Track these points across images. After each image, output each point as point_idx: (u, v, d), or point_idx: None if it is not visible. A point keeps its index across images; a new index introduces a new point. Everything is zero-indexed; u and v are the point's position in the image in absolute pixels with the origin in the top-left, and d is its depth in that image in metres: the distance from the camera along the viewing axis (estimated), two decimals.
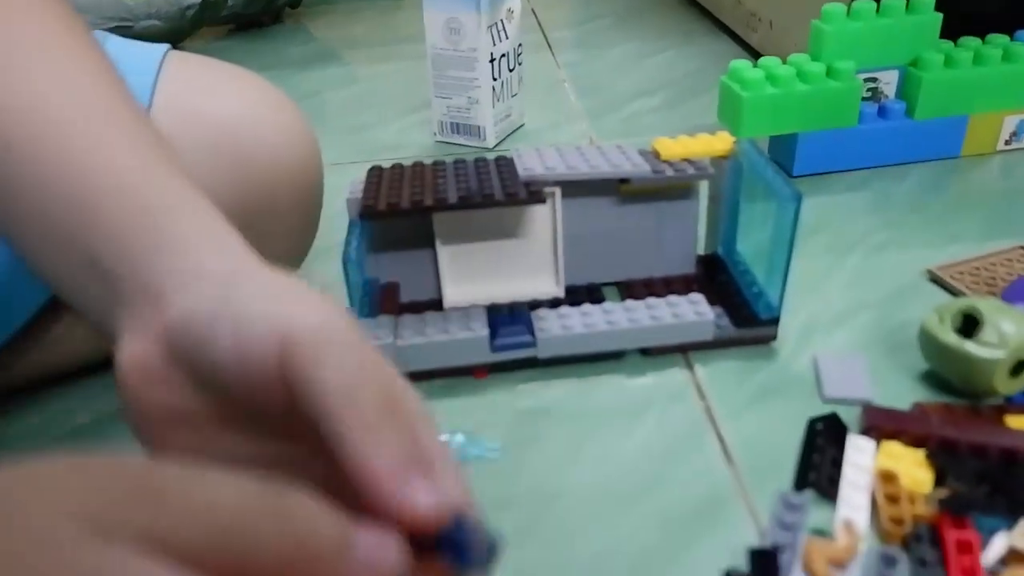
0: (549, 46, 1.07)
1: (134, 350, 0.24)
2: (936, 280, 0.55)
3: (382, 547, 0.18)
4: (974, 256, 0.56)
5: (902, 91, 0.70)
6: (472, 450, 0.43)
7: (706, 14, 1.14)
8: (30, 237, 0.29)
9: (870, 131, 0.69)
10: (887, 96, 0.70)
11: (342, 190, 0.50)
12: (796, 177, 0.69)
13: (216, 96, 0.46)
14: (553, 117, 0.85)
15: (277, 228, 0.48)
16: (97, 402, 0.48)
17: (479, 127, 0.77)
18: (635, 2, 1.24)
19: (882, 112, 0.70)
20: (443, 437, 0.43)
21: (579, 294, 0.53)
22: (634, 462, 0.42)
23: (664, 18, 1.16)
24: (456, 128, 0.79)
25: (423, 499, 0.19)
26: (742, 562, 0.36)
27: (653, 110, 0.86)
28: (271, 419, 0.23)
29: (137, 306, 0.25)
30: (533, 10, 1.21)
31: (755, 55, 0.95)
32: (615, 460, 0.42)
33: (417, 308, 0.52)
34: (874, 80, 0.69)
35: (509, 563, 0.36)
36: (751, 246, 0.53)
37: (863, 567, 0.35)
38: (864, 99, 0.69)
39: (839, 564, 0.35)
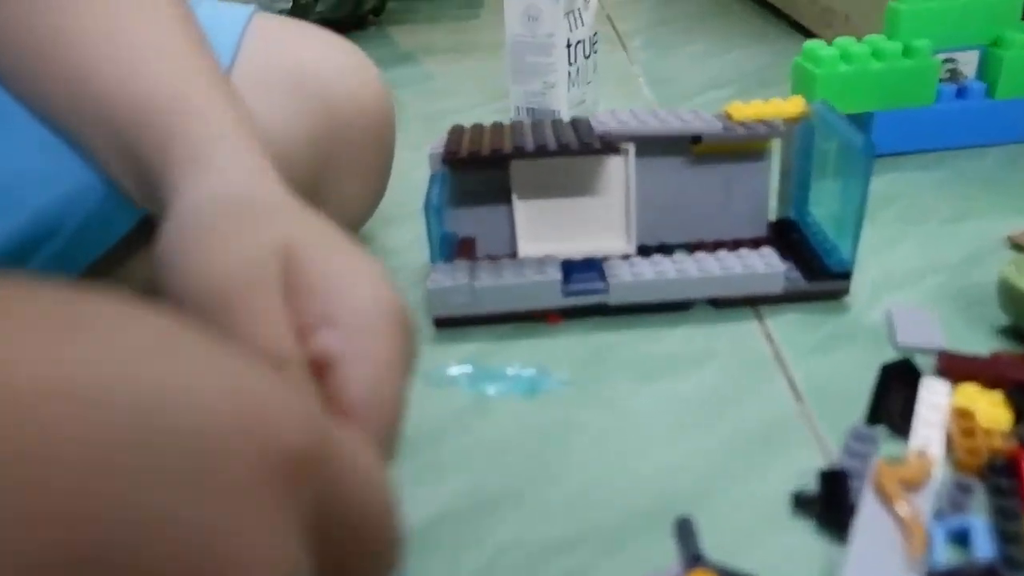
0: (623, 44, 1.10)
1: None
2: (1017, 246, 0.54)
3: None
4: None
5: (982, 72, 0.69)
6: (543, 382, 0.44)
7: (780, 15, 1.14)
8: (93, 140, 0.32)
9: (947, 111, 0.68)
10: (966, 76, 0.69)
11: (417, 168, 0.53)
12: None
13: (299, 42, 0.50)
14: (625, 106, 0.87)
15: (355, 166, 0.51)
16: None
17: (554, 111, 0.80)
18: (707, 6, 1.25)
19: (961, 93, 0.69)
20: (512, 372, 0.45)
21: (649, 253, 0.54)
22: (701, 396, 0.43)
23: (736, 20, 1.17)
24: (532, 113, 0.81)
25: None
26: (810, 487, 0.36)
27: (724, 101, 0.87)
28: None
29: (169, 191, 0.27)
30: (608, 16, 1.24)
31: None
32: (682, 394, 0.43)
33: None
34: (952, 60, 0.69)
35: (575, 478, 0.38)
36: (823, 211, 0.53)
37: (936, 493, 0.35)
38: (942, 80, 0.68)
39: (912, 486, 0.35)
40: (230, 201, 0.26)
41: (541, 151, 0.49)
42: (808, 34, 1.04)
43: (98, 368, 0.13)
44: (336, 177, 0.51)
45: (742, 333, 0.48)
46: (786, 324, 0.48)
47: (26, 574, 0.12)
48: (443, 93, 0.95)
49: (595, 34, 0.81)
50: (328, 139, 0.49)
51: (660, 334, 0.49)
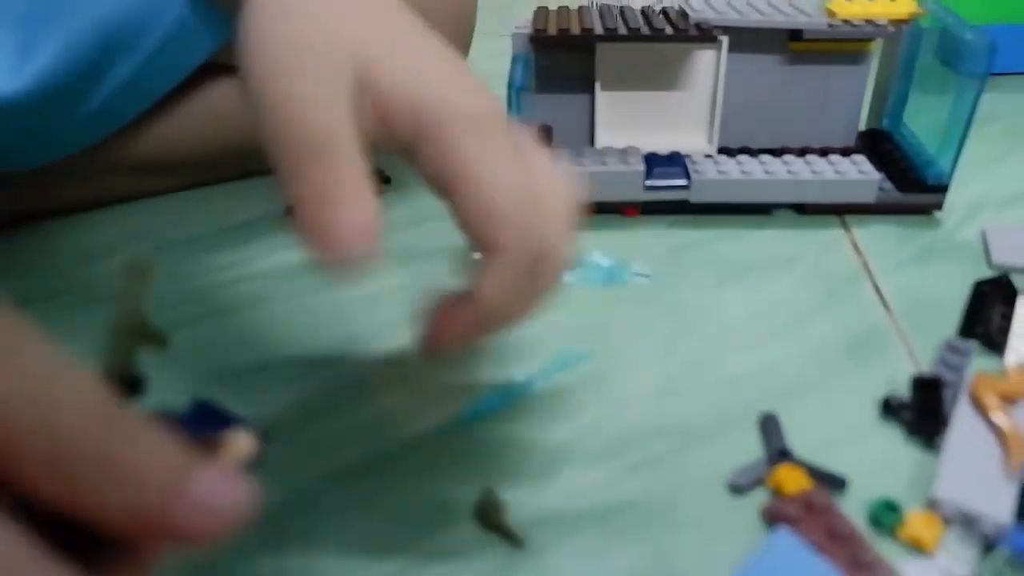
0: None
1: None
2: None
3: (223, 486, 0.16)
4: None
5: None
6: (621, 273, 0.43)
7: None
8: None
9: None
10: None
11: (493, 58, 0.51)
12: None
13: None
14: None
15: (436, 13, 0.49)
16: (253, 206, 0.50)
17: (629, 4, 0.76)
18: None
19: None
20: (592, 261, 0.43)
21: (731, 155, 0.52)
22: (785, 299, 0.42)
23: None
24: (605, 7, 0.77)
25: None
26: (900, 394, 0.35)
27: None
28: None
29: None
30: None
31: None
32: (766, 296, 0.42)
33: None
34: None
35: (652, 375, 0.37)
36: (920, 123, 0.50)
37: None
38: None
39: (1011, 399, 0.33)
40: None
41: (633, 34, 0.46)
42: None
43: None
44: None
45: (827, 241, 0.46)
46: (873, 236, 0.46)
47: None
48: None
49: None
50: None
51: (740, 236, 0.47)
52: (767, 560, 0.27)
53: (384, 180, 0.52)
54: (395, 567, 0.28)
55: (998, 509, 0.29)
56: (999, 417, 0.32)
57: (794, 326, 0.40)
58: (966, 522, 0.29)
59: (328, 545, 0.29)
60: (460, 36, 0.52)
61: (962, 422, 0.33)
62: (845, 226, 0.47)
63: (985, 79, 0.42)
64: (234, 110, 0.49)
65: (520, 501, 0.31)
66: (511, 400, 0.35)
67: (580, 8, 0.51)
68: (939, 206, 0.47)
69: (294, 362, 0.38)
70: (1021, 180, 0.51)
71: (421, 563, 0.29)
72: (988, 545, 0.29)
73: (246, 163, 0.52)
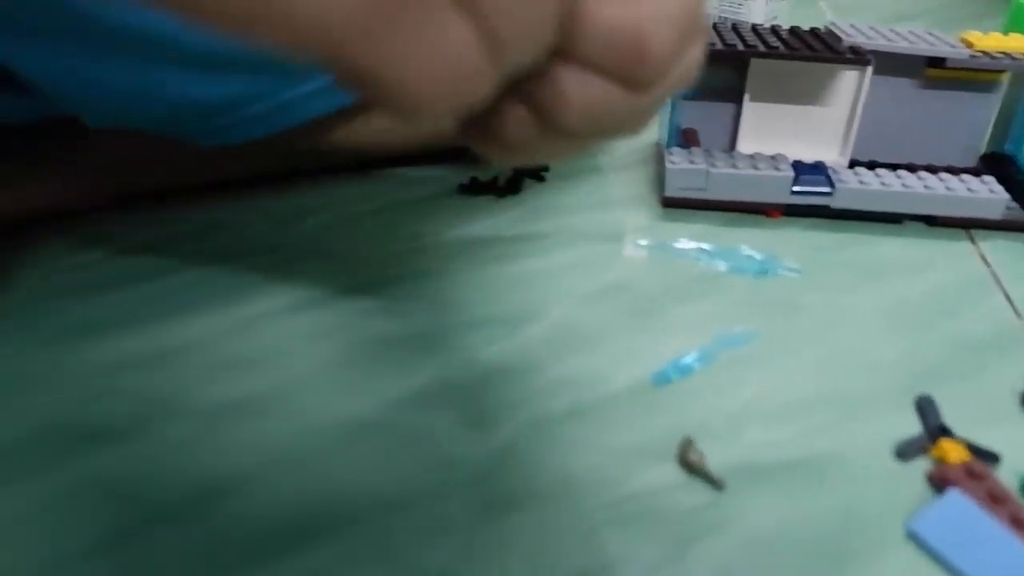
0: None
1: None
2: None
3: None
4: None
5: None
6: (773, 266, 0.48)
7: None
8: None
9: None
10: None
11: None
12: None
13: None
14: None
15: None
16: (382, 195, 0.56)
17: (748, 24, 0.80)
18: None
19: None
20: (744, 254, 0.48)
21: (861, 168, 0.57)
22: (922, 300, 0.46)
23: None
24: (727, 23, 0.82)
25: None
26: None
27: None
28: None
29: None
30: None
31: None
32: (904, 295, 0.47)
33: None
34: None
35: (811, 355, 0.42)
36: None
37: None
38: None
39: None
40: None
41: (792, 52, 0.51)
42: None
43: None
44: None
45: (956, 252, 0.51)
46: (1000, 249, 0.51)
47: None
48: None
49: None
50: None
51: (875, 241, 0.52)
52: (942, 512, 0.32)
53: (544, 170, 0.58)
54: (610, 499, 0.34)
55: None
56: None
57: (934, 322, 0.45)
58: None
59: (539, 480, 0.35)
60: None
61: None
62: (972, 239, 0.52)
63: None
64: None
65: (713, 453, 0.36)
66: (688, 369, 0.40)
67: (734, 24, 0.56)
68: None
69: (503, 318, 0.43)
70: None
71: (634, 498, 0.34)
72: None
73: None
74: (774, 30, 0.55)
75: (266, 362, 0.40)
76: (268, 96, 0.44)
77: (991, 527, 0.32)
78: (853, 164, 0.57)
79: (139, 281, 0.45)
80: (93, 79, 0.40)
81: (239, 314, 0.43)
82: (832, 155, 0.57)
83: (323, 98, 0.45)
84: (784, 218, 0.53)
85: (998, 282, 0.48)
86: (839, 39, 0.53)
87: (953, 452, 0.35)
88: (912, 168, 0.57)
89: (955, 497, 0.33)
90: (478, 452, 0.36)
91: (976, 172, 0.57)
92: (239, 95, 0.43)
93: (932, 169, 0.57)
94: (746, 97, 0.56)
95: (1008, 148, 0.57)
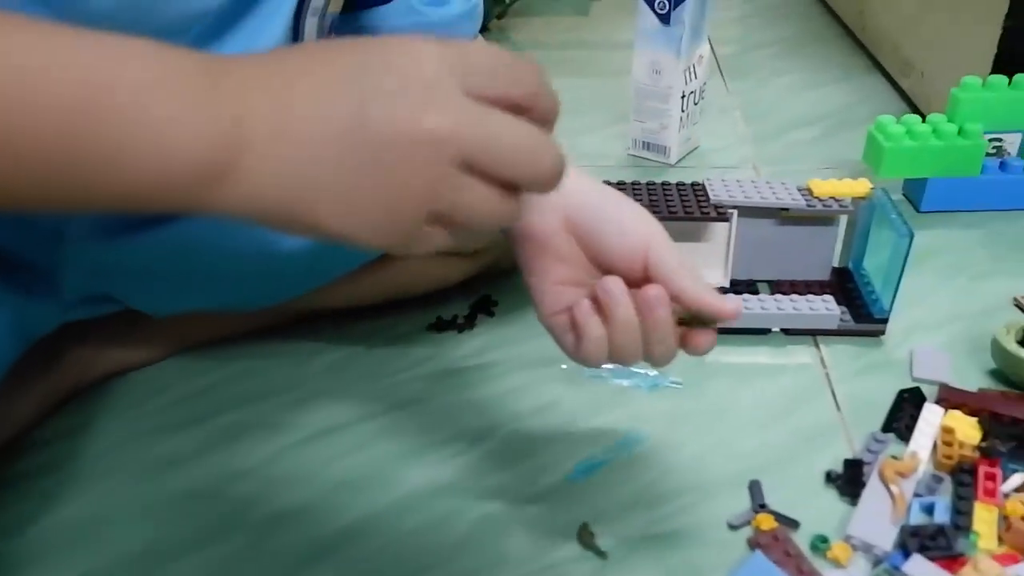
0: (720, 69, 1.25)
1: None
2: (1018, 306, 0.72)
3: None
4: None
5: (1022, 151, 0.85)
6: (662, 381, 0.65)
7: (866, 51, 1.28)
8: None
9: (991, 181, 0.85)
10: (1009, 154, 0.86)
11: None
12: (923, 212, 0.86)
13: None
14: (723, 141, 1.04)
15: None
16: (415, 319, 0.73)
17: (666, 147, 0.98)
18: (800, 33, 1.37)
19: (1003, 166, 0.85)
20: (640, 372, 0.65)
21: (740, 286, 0.74)
22: (772, 399, 0.63)
23: (827, 50, 1.29)
24: (647, 146, 1.00)
25: (730, 306, 0.44)
26: (838, 469, 0.56)
27: (810, 141, 1.04)
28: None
29: None
30: (708, 36, 1.39)
31: (905, 98, 1.11)
32: (760, 397, 0.63)
33: None
34: (999, 140, 0.85)
35: (687, 450, 0.58)
36: (874, 264, 0.71)
37: (918, 481, 0.55)
38: (989, 155, 0.85)
39: (903, 475, 0.54)
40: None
41: (672, 215, 0.68)
42: (888, 76, 1.19)
43: None
44: None
45: (803, 355, 0.68)
46: (836, 352, 0.68)
47: None
48: (568, 110, 1.13)
49: (704, 84, 0.99)
50: None
51: (743, 351, 0.68)
52: (748, 570, 0.49)
53: (494, 304, 0.75)
54: (527, 572, 0.50)
55: (885, 541, 0.50)
56: (894, 487, 0.53)
57: (779, 417, 0.61)
58: (866, 549, 0.50)
59: (481, 559, 0.51)
60: None
61: (872, 489, 0.54)
62: (816, 345, 0.69)
63: (906, 256, 0.64)
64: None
65: (605, 532, 0.52)
66: (595, 468, 0.57)
67: (631, 183, 0.73)
68: (882, 332, 0.69)
69: (464, 435, 0.60)
70: (945, 310, 0.72)
71: (550, 568, 0.50)
72: (876, 562, 0.50)
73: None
74: (663, 187, 0.72)
75: (296, 480, 0.57)
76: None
77: None
78: (735, 283, 0.74)
79: (200, 422, 0.62)
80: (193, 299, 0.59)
81: (270, 447, 0.60)
82: (717, 277, 0.74)
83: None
84: None
85: (829, 382, 0.65)
86: (708, 198, 0.70)
87: (765, 522, 0.52)
88: (779, 284, 0.74)
89: (757, 557, 0.49)
90: (444, 537, 0.52)
91: (829, 284, 0.74)
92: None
93: (794, 284, 0.74)
94: None
95: (850, 264, 0.74)
